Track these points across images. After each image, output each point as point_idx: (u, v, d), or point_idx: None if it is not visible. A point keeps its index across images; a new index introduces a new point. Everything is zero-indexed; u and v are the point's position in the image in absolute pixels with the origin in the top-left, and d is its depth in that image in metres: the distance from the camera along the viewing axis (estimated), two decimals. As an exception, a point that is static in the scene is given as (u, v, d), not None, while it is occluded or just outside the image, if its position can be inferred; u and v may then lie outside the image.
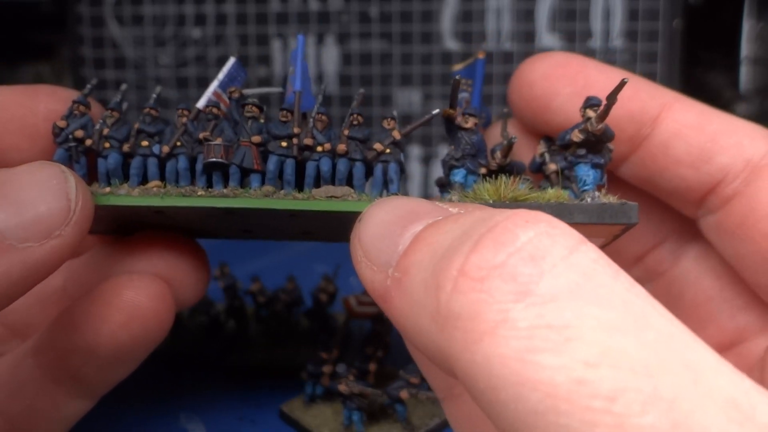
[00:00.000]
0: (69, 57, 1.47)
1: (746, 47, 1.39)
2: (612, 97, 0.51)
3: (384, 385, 0.72)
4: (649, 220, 0.62)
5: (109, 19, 1.47)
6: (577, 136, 0.54)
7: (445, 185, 0.58)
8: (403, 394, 0.70)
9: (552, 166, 0.58)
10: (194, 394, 0.81)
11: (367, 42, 1.46)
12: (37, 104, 0.58)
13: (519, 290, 0.32)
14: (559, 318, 0.31)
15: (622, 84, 0.50)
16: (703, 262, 0.61)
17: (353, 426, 0.71)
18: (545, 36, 1.43)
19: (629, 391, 0.28)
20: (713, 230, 0.57)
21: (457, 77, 0.55)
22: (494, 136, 0.64)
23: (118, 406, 0.77)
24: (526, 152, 0.62)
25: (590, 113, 0.53)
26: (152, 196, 0.54)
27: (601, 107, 0.52)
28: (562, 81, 0.58)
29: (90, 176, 0.59)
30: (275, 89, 0.65)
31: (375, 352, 0.81)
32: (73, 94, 0.60)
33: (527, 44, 1.43)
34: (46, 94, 0.59)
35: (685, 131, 0.55)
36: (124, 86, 0.65)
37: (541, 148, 0.60)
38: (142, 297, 0.55)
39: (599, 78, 0.57)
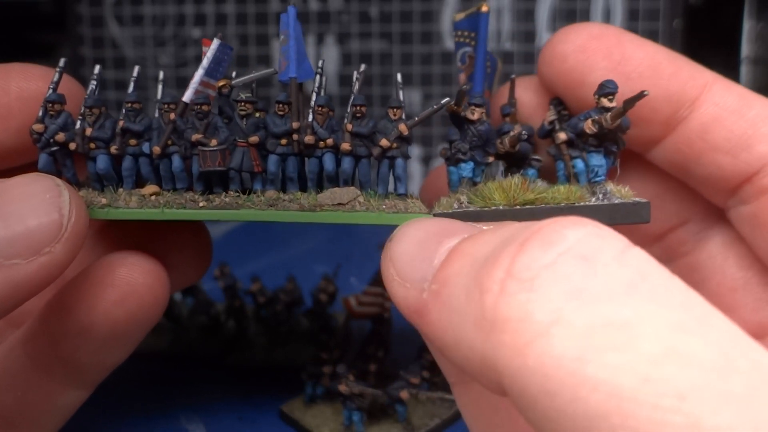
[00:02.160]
0: (69, 57, 1.47)
1: (746, 47, 1.39)
2: (629, 104, 0.49)
3: (384, 386, 0.72)
4: (672, 198, 0.59)
5: (109, 19, 1.47)
6: (590, 128, 0.53)
7: (450, 159, 0.56)
8: (404, 394, 0.70)
9: (561, 135, 0.55)
10: (194, 394, 0.81)
11: (367, 42, 1.46)
12: (9, 83, 0.56)
13: (572, 289, 0.31)
14: (618, 316, 0.29)
15: (641, 95, 0.48)
16: (730, 250, 0.58)
17: (353, 426, 0.71)
18: (545, 36, 1.43)
19: (700, 389, 0.27)
20: (744, 221, 0.54)
21: (464, 87, 0.53)
22: (500, 95, 0.61)
23: (119, 406, 0.77)
24: (540, 113, 0.60)
25: (605, 102, 0.52)
26: (152, 209, 0.53)
27: (616, 110, 0.50)
28: (598, 55, 0.54)
29: (79, 174, 0.58)
30: (268, 71, 0.60)
31: (375, 352, 0.81)
32: (46, 71, 0.57)
33: (527, 44, 1.43)
34: (17, 72, 0.57)
35: (725, 116, 0.52)
36: (137, 69, 0.61)
37: (551, 114, 0.58)
38: (136, 274, 0.54)
39: (636, 52, 0.54)
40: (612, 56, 0.54)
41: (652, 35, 1.41)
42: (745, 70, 1.39)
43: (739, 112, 0.52)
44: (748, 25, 1.39)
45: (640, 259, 0.32)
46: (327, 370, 0.75)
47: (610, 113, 0.51)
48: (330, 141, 0.54)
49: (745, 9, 1.38)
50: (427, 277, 0.39)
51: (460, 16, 0.62)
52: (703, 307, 0.31)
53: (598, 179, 0.54)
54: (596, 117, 0.53)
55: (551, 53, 0.56)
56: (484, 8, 0.59)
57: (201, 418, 0.76)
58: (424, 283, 0.39)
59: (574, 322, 0.30)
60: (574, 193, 0.52)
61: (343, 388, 0.70)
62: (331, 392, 0.73)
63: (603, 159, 0.54)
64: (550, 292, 0.31)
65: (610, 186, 0.53)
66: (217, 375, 0.85)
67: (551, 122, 0.57)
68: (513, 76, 0.60)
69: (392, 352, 0.83)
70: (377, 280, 0.83)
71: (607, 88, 0.52)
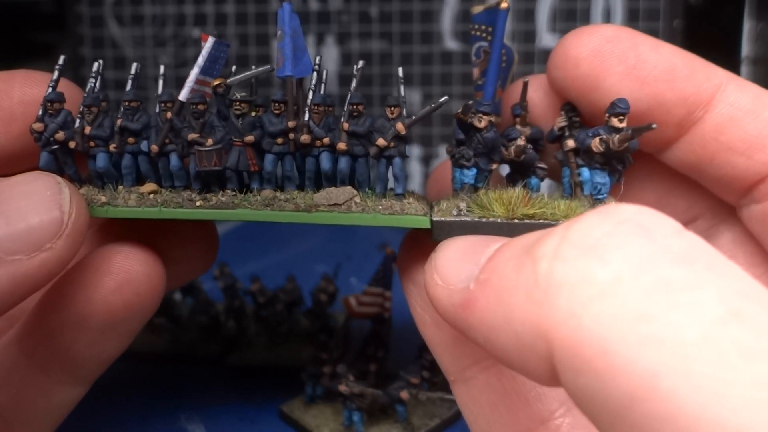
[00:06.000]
0: (69, 57, 1.47)
1: (746, 47, 1.39)
2: (636, 132, 0.49)
3: (384, 386, 0.72)
4: (681, 195, 0.59)
5: (109, 19, 1.47)
6: (597, 147, 0.52)
7: (456, 158, 0.55)
8: (404, 394, 0.70)
9: (570, 143, 0.55)
10: (194, 394, 0.81)
11: (367, 42, 1.46)
12: (12, 87, 0.57)
13: (632, 253, 0.31)
14: (682, 279, 0.29)
15: (649, 127, 0.48)
16: (740, 248, 0.57)
17: (353, 426, 0.71)
18: (545, 36, 1.43)
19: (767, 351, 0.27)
20: (757, 220, 0.54)
21: (470, 102, 0.53)
22: (513, 93, 0.61)
23: (119, 406, 0.77)
24: (551, 114, 0.59)
25: (615, 121, 0.51)
26: (150, 208, 0.53)
27: (624, 135, 0.50)
28: (613, 59, 0.53)
29: (80, 171, 0.58)
30: (264, 68, 0.59)
31: (375, 352, 0.81)
32: (48, 77, 0.57)
33: (527, 44, 1.43)
34: (21, 78, 0.58)
35: (740, 116, 0.52)
36: (135, 66, 0.61)
37: (561, 120, 0.57)
38: (132, 262, 0.53)
39: (651, 55, 0.53)
40: (627, 60, 0.53)
41: (652, 35, 1.40)
42: (745, 70, 1.39)
43: (754, 112, 0.52)
44: (748, 25, 1.39)
45: (695, 237, 0.33)
46: (327, 370, 0.75)
47: (618, 136, 0.50)
48: (326, 140, 0.54)
49: (745, 9, 1.38)
50: (473, 275, 0.39)
51: (478, 9, 0.61)
52: (755, 282, 0.31)
53: (600, 197, 0.53)
54: (605, 136, 0.52)
55: (563, 57, 0.55)
56: (504, 5, 0.57)
57: (201, 418, 0.76)
58: (469, 282, 0.39)
59: (636, 283, 0.30)
60: (575, 210, 0.51)
61: (343, 388, 0.70)
62: (331, 392, 0.73)
63: (607, 177, 0.54)
64: (609, 255, 0.31)
65: (612, 203, 0.53)
66: (217, 375, 0.85)
67: (561, 128, 0.57)
68: (527, 79, 0.59)
69: (392, 352, 0.83)
70: (377, 280, 0.83)
71: (618, 108, 0.51)
